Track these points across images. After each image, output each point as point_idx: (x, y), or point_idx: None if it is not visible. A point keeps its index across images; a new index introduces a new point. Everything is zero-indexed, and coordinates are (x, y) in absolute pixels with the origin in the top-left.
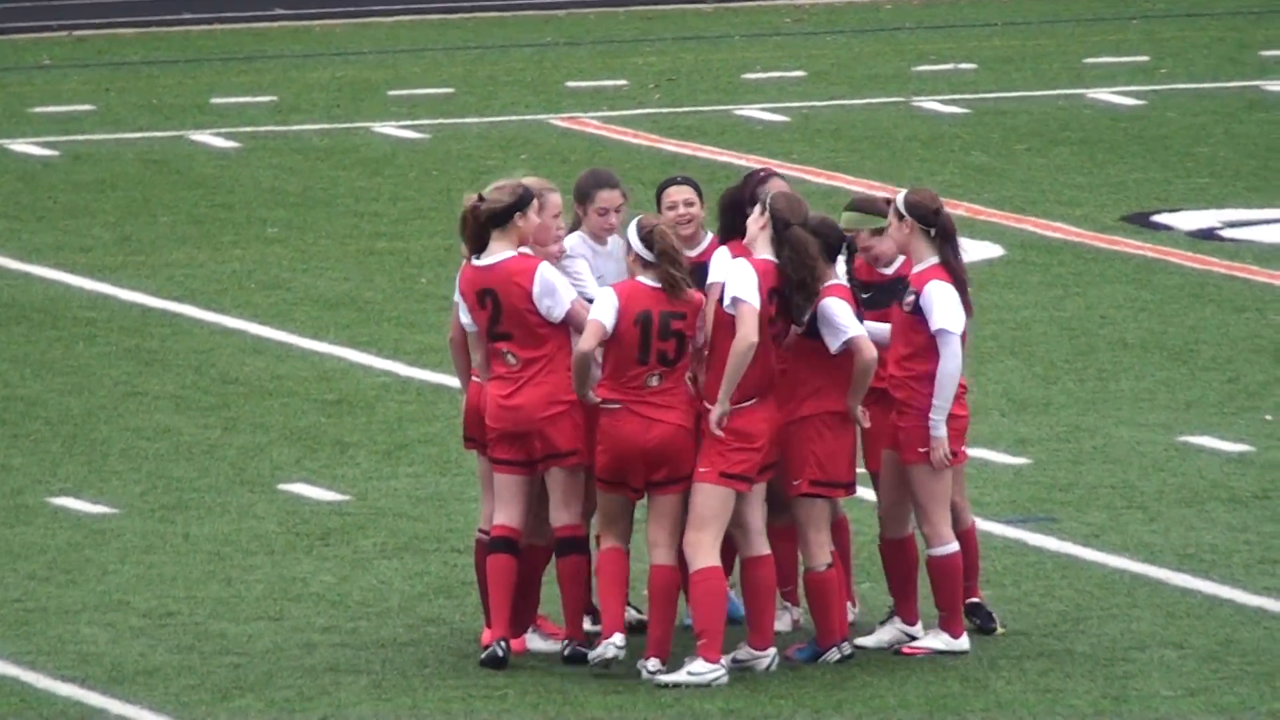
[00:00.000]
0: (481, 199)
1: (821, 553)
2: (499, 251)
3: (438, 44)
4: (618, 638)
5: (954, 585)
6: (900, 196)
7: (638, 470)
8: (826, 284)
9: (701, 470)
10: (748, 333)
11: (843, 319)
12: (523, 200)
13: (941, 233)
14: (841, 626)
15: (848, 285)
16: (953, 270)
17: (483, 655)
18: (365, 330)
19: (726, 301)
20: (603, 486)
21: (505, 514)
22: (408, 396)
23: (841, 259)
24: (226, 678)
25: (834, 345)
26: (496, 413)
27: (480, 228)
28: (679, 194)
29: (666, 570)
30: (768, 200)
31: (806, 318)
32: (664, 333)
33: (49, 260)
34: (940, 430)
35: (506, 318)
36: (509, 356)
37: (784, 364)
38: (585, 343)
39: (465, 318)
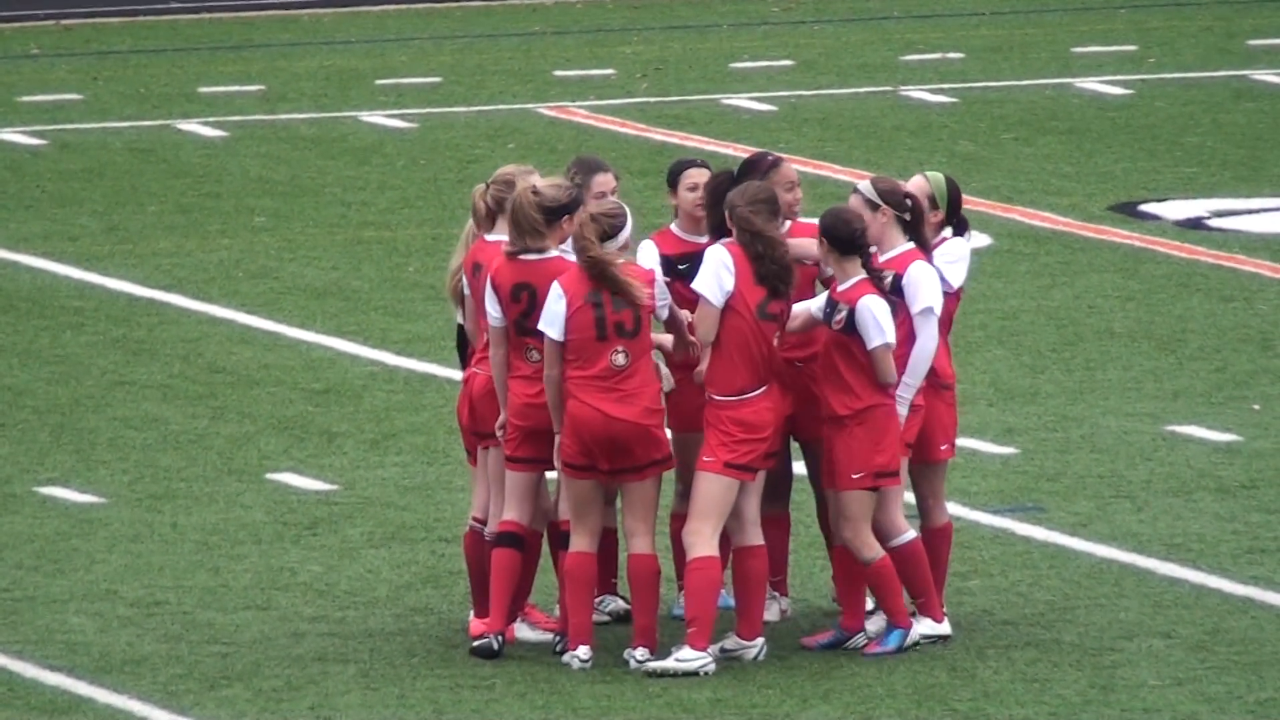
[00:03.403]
0: (536, 191)
1: (875, 543)
2: (546, 245)
3: (425, 33)
4: (583, 650)
5: (921, 571)
6: (868, 187)
7: (603, 456)
8: (855, 280)
9: (706, 460)
10: (700, 327)
11: (881, 323)
12: (576, 202)
13: (915, 218)
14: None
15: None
16: (927, 254)
17: (475, 644)
18: (353, 319)
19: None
20: (570, 472)
21: (516, 511)
22: (395, 386)
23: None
24: (214, 667)
25: (870, 344)
26: (522, 410)
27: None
28: (699, 175)
29: (646, 559)
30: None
31: (843, 315)
32: (618, 305)
33: (36, 249)
34: (903, 408)
35: (539, 314)
36: (533, 353)
37: (803, 351)
38: (549, 368)
39: (494, 310)
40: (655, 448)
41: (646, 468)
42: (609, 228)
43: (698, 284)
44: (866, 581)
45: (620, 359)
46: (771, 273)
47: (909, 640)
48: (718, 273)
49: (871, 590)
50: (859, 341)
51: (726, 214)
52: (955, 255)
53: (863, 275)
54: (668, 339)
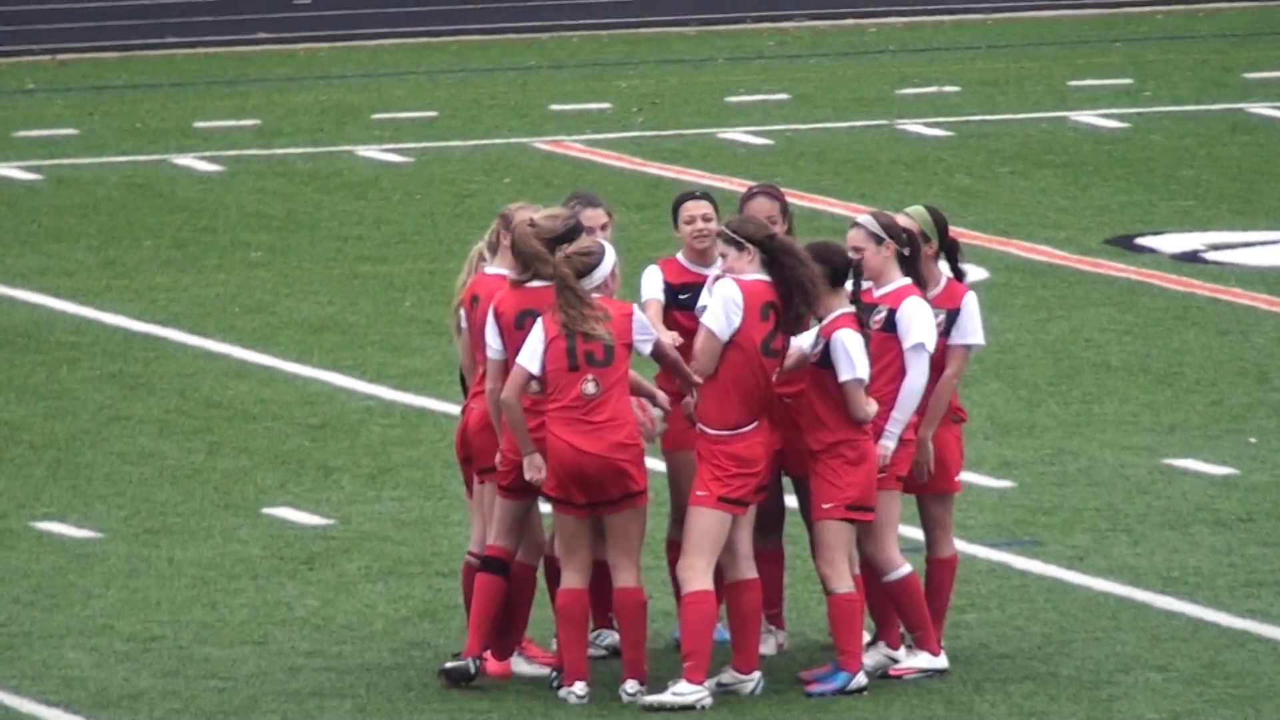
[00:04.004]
0: (533, 223)
1: (846, 577)
2: (548, 275)
3: (421, 67)
4: (579, 686)
5: (917, 604)
6: (869, 220)
7: (577, 490)
8: (838, 313)
9: (700, 494)
10: (706, 356)
11: (853, 357)
12: (574, 231)
13: (914, 252)
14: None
15: (855, 313)
16: (924, 290)
17: (449, 665)
18: (349, 354)
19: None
20: (554, 505)
21: (504, 538)
22: (392, 420)
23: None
24: (211, 702)
25: (840, 378)
26: (516, 443)
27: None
28: (697, 209)
29: (631, 592)
30: (733, 231)
31: (819, 347)
32: (587, 336)
33: (32, 284)
34: (891, 442)
35: None
36: (532, 384)
37: (793, 386)
38: (507, 391)
39: (495, 342)
40: (627, 482)
41: (619, 501)
42: (581, 266)
43: (707, 318)
44: (830, 612)
45: (590, 388)
46: (797, 318)
47: (852, 685)
48: (727, 309)
49: (831, 622)
50: (833, 375)
51: (768, 245)
52: (973, 309)
53: (845, 309)
54: (661, 396)
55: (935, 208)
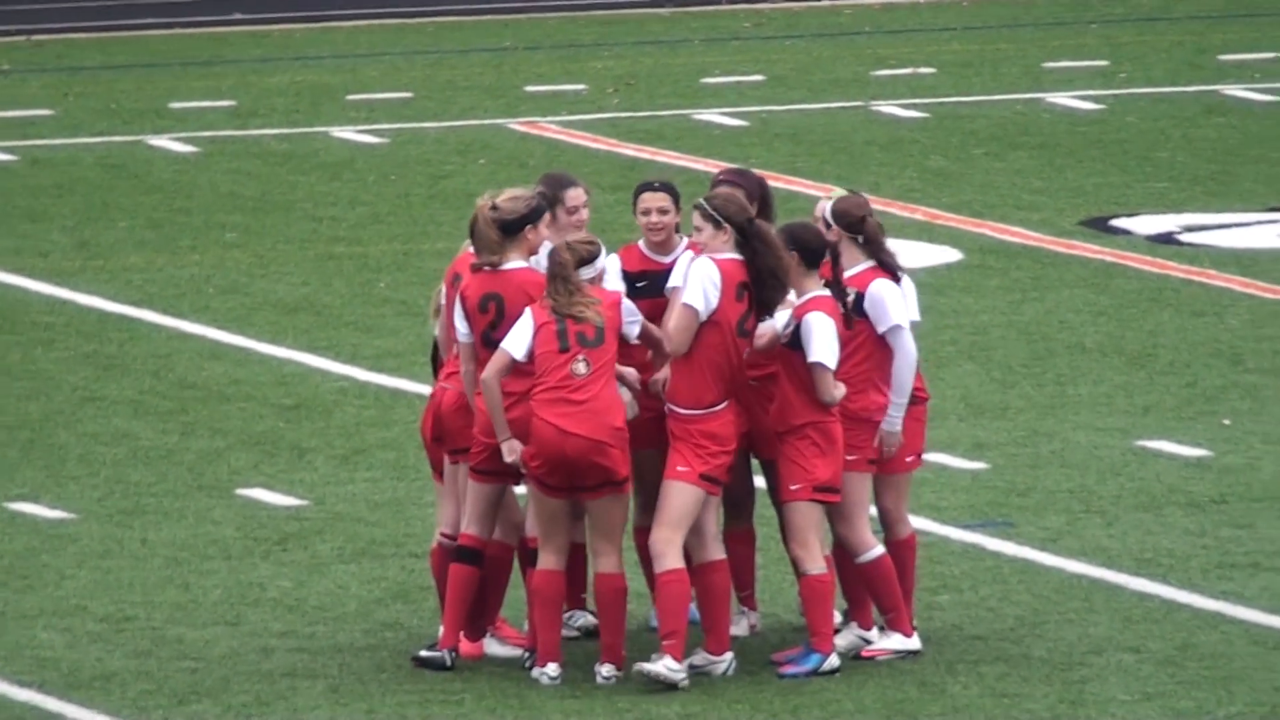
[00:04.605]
0: (495, 206)
1: (819, 558)
2: (510, 260)
3: (396, 48)
4: (552, 668)
5: (890, 587)
6: (828, 204)
7: (559, 472)
8: (812, 295)
9: (682, 469)
10: (681, 335)
11: (822, 339)
12: (536, 212)
13: (869, 239)
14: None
15: (831, 296)
16: (888, 270)
17: (423, 654)
18: (323, 335)
19: (679, 303)
20: (534, 487)
21: (476, 525)
22: (365, 401)
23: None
24: (183, 683)
25: (809, 359)
26: (489, 426)
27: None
28: (653, 201)
29: (613, 578)
30: (714, 208)
31: (790, 328)
32: (578, 318)
33: (7, 265)
34: (896, 425)
35: (507, 325)
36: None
37: (760, 369)
38: (488, 373)
39: (462, 326)
40: (609, 467)
41: (600, 487)
42: (586, 254)
43: (687, 296)
44: (802, 593)
45: (581, 367)
46: (770, 299)
47: (825, 667)
48: (705, 287)
49: (803, 603)
50: (803, 356)
51: (744, 225)
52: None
53: (820, 292)
54: (630, 371)
55: (851, 197)
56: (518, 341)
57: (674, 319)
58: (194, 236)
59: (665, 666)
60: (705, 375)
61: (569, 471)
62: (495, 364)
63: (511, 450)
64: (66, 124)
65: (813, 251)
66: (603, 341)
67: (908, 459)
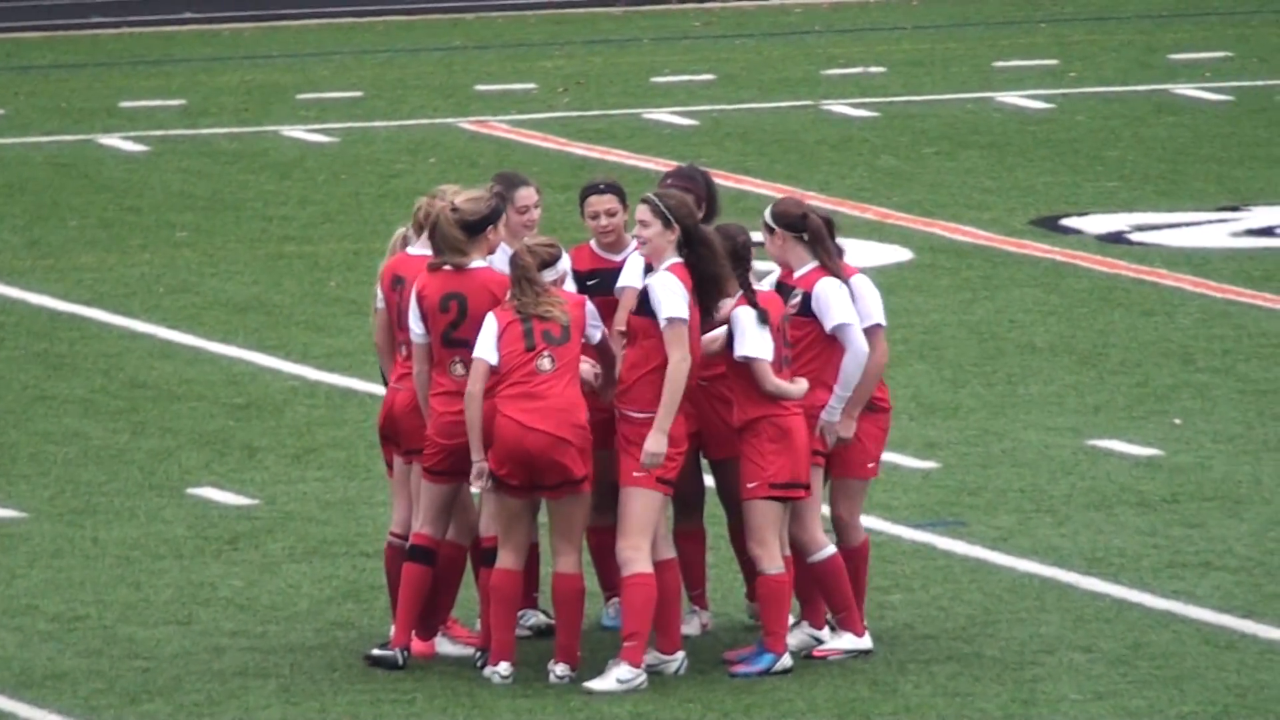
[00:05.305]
0: (455, 208)
1: (777, 557)
2: (470, 259)
3: (346, 47)
4: (504, 667)
5: (841, 586)
6: (768, 209)
7: (519, 470)
8: (805, 271)
9: (638, 475)
10: (685, 353)
11: (747, 333)
12: (496, 213)
13: (813, 236)
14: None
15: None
16: (832, 270)
17: (375, 653)
18: (274, 334)
19: (662, 321)
20: (496, 486)
21: (430, 525)
22: (316, 401)
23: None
24: (135, 682)
25: (735, 354)
26: (444, 427)
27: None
28: (600, 204)
29: (571, 578)
30: (668, 208)
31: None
32: (544, 318)
33: None
34: (834, 416)
35: (469, 325)
36: (457, 367)
37: (709, 370)
38: (471, 385)
39: (418, 327)
40: (568, 466)
41: (560, 486)
42: (548, 257)
43: (671, 311)
44: (759, 593)
45: (546, 363)
46: (711, 304)
47: (778, 667)
48: (679, 297)
49: (759, 602)
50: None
51: (692, 228)
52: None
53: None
54: (587, 368)
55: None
56: (488, 347)
57: (677, 337)
58: (144, 236)
59: (617, 679)
60: (657, 379)
61: (530, 468)
62: (475, 375)
63: (480, 474)
64: (16, 123)
65: (734, 251)
66: (568, 339)
67: (868, 465)
